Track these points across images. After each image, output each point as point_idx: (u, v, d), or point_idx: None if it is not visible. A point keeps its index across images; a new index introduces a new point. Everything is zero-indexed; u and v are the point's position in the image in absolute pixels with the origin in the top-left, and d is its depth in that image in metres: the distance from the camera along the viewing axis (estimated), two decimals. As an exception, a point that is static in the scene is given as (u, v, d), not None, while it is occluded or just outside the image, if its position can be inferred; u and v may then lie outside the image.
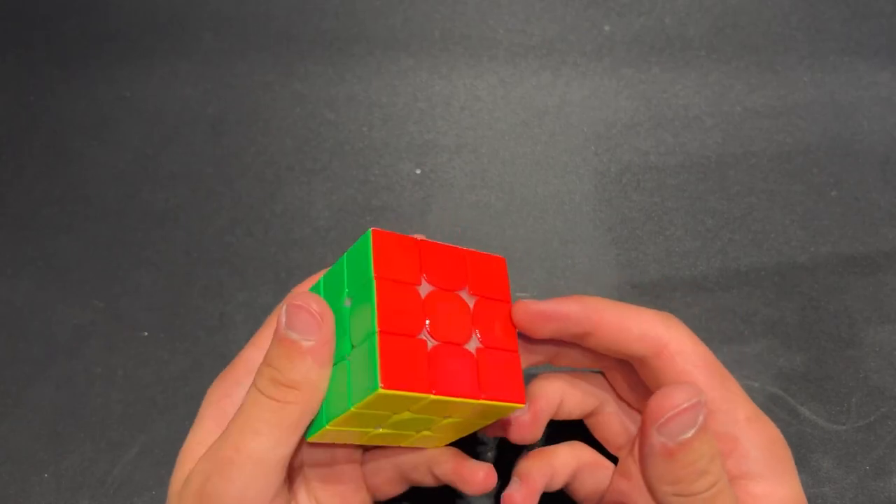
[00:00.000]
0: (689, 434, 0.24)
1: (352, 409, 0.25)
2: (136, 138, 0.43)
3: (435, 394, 0.25)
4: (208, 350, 0.38)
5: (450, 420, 0.27)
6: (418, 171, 0.43)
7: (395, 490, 0.31)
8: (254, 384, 0.26)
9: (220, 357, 0.38)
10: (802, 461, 0.35)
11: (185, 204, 0.42)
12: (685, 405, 0.24)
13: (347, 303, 0.26)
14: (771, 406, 0.37)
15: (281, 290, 0.39)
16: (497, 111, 0.44)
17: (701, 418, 0.24)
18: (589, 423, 0.32)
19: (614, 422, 0.32)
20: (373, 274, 0.25)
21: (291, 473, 0.29)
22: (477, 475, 0.29)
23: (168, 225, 0.41)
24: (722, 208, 0.42)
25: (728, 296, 0.39)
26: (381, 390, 0.24)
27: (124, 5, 0.46)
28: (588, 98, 0.44)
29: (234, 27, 0.45)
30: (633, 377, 0.31)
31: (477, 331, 0.27)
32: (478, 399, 0.25)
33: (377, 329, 0.25)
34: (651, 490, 0.25)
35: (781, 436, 0.28)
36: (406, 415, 0.26)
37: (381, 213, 0.41)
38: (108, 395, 0.37)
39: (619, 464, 0.32)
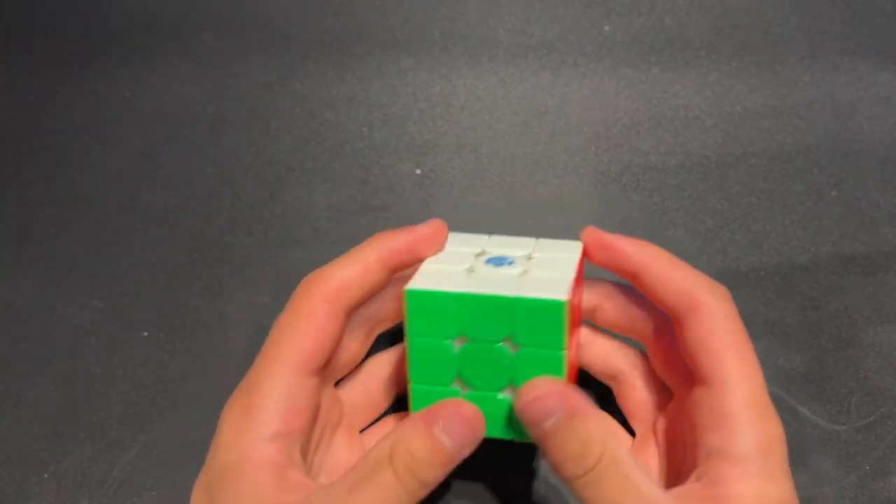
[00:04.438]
0: (551, 422, 0.26)
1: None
2: (136, 138, 0.43)
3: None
4: (208, 350, 0.38)
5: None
6: (418, 171, 0.43)
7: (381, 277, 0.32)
8: (392, 466, 0.26)
9: (220, 357, 0.38)
10: (802, 461, 0.35)
11: (185, 204, 0.42)
12: (534, 395, 0.26)
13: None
14: (771, 406, 0.37)
15: (281, 290, 0.39)
16: (497, 111, 0.44)
17: (562, 409, 0.26)
18: (615, 389, 0.33)
19: (637, 393, 0.32)
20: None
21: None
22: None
23: (168, 225, 0.41)
24: (722, 208, 0.42)
25: (728, 296, 0.39)
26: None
27: (124, 5, 0.46)
28: (588, 98, 0.44)
29: (234, 27, 0.45)
30: (669, 350, 0.31)
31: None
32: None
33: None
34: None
35: (781, 430, 0.28)
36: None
37: (381, 213, 0.41)
38: (108, 395, 0.37)
39: (636, 438, 0.32)
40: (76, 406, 0.37)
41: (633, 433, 0.33)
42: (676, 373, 0.31)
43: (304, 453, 0.29)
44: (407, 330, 0.28)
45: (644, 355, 0.33)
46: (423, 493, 0.26)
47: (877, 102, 0.44)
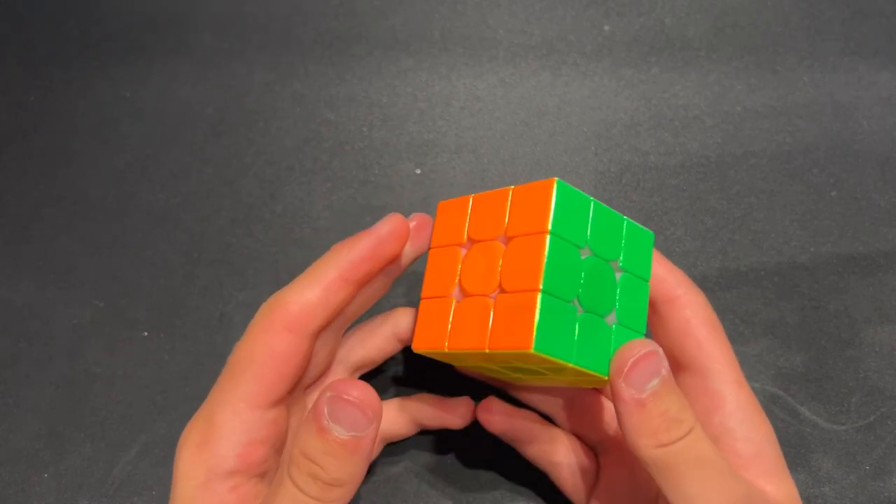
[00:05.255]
0: (655, 383, 0.25)
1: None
2: (136, 138, 0.43)
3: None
4: (208, 350, 0.38)
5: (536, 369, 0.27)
6: (418, 171, 0.43)
7: (407, 432, 0.33)
8: (289, 477, 0.24)
9: (220, 357, 0.37)
10: (802, 461, 0.35)
11: (185, 204, 0.42)
12: (643, 352, 0.25)
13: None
14: (771, 406, 0.37)
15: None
16: (497, 111, 0.44)
17: (664, 368, 0.25)
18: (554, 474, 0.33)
19: (568, 470, 0.32)
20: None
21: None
22: (457, 409, 0.32)
23: (168, 225, 0.41)
24: (722, 208, 0.42)
25: (728, 296, 0.39)
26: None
27: (124, 5, 0.46)
28: (588, 98, 0.44)
29: (234, 27, 0.45)
30: (582, 409, 0.32)
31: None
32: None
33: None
34: (633, 447, 0.25)
35: (762, 410, 0.29)
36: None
37: (381, 213, 0.41)
38: (108, 395, 0.37)
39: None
40: (76, 406, 0.37)
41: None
42: (599, 426, 0.32)
43: (270, 476, 0.28)
44: (551, 227, 0.25)
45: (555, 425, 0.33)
46: (339, 493, 0.24)
47: (877, 102, 0.44)
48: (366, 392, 0.24)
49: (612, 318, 0.27)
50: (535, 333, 0.24)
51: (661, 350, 0.25)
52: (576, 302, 0.26)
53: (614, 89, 0.44)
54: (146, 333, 0.38)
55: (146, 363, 0.38)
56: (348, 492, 0.24)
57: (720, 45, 0.45)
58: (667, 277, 0.30)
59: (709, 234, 0.41)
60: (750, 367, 0.38)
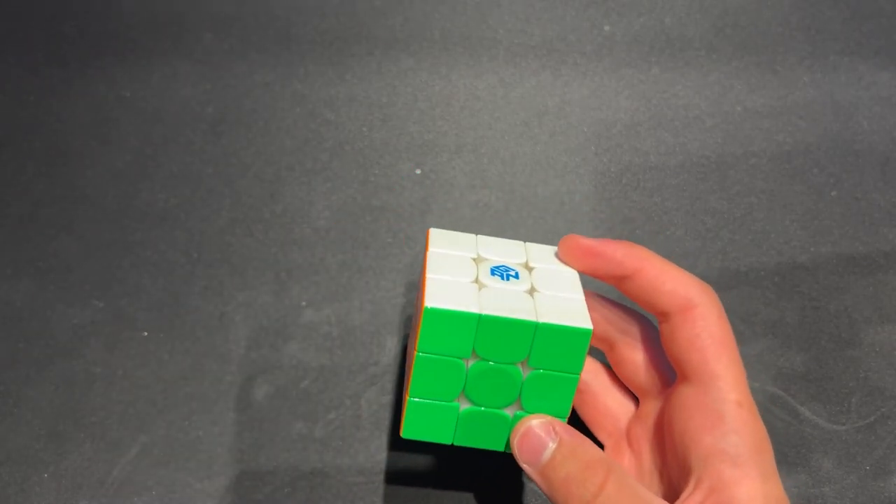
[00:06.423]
0: (548, 453, 0.27)
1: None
2: (136, 138, 0.43)
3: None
4: (208, 350, 0.38)
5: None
6: (418, 171, 0.43)
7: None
8: None
9: (220, 357, 0.38)
10: (802, 461, 0.35)
11: (185, 204, 0.42)
12: (522, 430, 0.27)
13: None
14: (771, 406, 0.37)
15: (281, 289, 0.39)
16: (497, 111, 0.44)
17: (552, 436, 0.27)
18: (577, 400, 0.33)
19: (602, 402, 0.32)
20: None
21: None
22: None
23: (168, 225, 0.41)
24: (722, 208, 0.42)
25: (728, 296, 0.39)
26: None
27: (124, 5, 0.46)
28: (588, 98, 0.44)
29: (234, 27, 0.45)
30: (635, 355, 0.31)
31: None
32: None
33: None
34: None
35: (766, 433, 0.28)
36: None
37: (381, 213, 0.41)
38: (108, 395, 0.37)
39: (605, 450, 0.32)
40: (76, 406, 0.37)
41: (599, 445, 0.33)
42: (644, 377, 0.31)
43: None
44: (418, 346, 0.27)
45: (602, 363, 0.33)
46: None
47: (877, 102, 0.44)
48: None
49: (513, 408, 0.28)
50: (403, 425, 0.29)
51: (545, 420, 0.27)
52: (460, 398, 0.28)
53: (614, 89, 0.44)
54: (146, 333, 0.38)
55: (146, 363, 0.38)
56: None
57: (720, 45, 0.45)
58: (679, 287, 0.28)
59: (709, 234, 0.41)
60: (750, 367, 0.37)
